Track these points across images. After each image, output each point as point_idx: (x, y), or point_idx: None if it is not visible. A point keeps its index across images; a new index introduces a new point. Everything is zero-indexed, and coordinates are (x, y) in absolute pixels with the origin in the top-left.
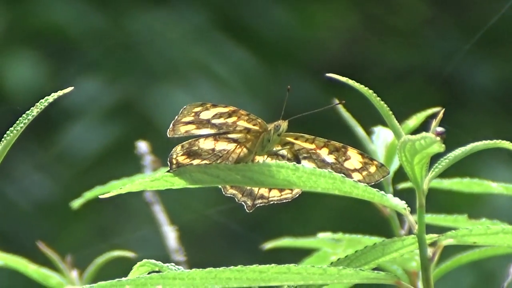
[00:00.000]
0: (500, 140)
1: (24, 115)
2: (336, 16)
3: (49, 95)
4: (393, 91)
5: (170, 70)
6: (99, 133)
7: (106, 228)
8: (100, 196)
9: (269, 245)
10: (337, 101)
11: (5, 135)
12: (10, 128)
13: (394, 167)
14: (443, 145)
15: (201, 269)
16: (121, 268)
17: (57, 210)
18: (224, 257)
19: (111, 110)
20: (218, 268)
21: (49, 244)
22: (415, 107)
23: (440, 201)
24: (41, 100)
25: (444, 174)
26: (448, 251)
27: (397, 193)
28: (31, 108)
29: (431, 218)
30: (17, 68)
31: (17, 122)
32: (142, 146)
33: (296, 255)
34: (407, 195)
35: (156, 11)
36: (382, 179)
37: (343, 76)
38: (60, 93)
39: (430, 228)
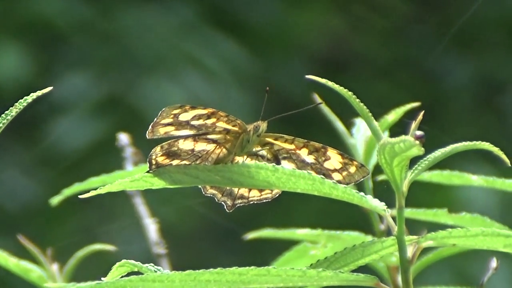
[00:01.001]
0: (480, 142)
1: (3, 115)
2: (322, 13)
3: (36, 88)
4: (376, 87)
5: (159, 64)
6: (88, 127)
7: (89, 223)
8: (80, 196)
9: (250, 236)
10: (318, 100)
11: None
12: None
13: (373, 161)
14: (422, 149)
15: (180, 271)
16: (103, 262)
17: (45, 204)
18: (206, 251)
19: (100, 104)
20: (197, 271)
21: (33, 239)
22: (397, 103)
23: (420, 200)
24: (20, 100)
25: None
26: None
27: (377, 185)
28: (10, 108)
29: (410, 213)
30: (4, 61)
31: None
32: (123, 138)
33: (278, 252)
34: (386, 189)
35: (145, 4)
36: (362, 179)
37: (328, 71)
38: (39, 93)
39: (410, 222)
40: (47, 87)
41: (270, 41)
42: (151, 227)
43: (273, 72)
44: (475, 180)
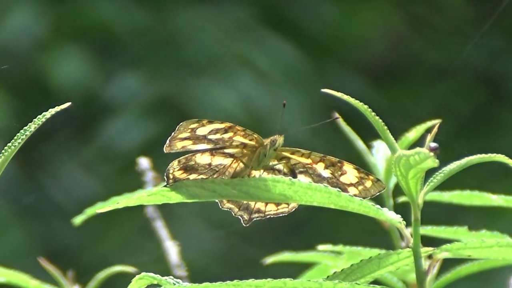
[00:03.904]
0: (495, 154)
1: (22, 130)
2: (380, 15)
3: (93, 90)
4: (436, 89)
5: (212, 65)
6: (140, 128)
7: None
8: (98, 211)
9: (269, 260)
10: (336, 115)
11: (3, 151)
12: (8, 144)
13: (394, 180)
14: (437, 161)
15: (197, 284)
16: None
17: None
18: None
19: (152, 105)
20: (214, 283)
21: (90, 245)
22: (458, 105)
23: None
24: (38, 116)
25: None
26: (449, 264)
27: (398, 207)
28: (29, 124)
29: (431, 231)
30: (63, 64)
31: (15, 138)
32: (143, 162)
33: (299, 268)
34: (408, 210)
35: (198, 6)
36: (378, 193)
37: (386, 74)
38: (56, 109)
39: (432, 241)
40: (103, 88)
41: (325, 42)
42: (172, 249)
43: (328, 73)
44: (495, 199)
